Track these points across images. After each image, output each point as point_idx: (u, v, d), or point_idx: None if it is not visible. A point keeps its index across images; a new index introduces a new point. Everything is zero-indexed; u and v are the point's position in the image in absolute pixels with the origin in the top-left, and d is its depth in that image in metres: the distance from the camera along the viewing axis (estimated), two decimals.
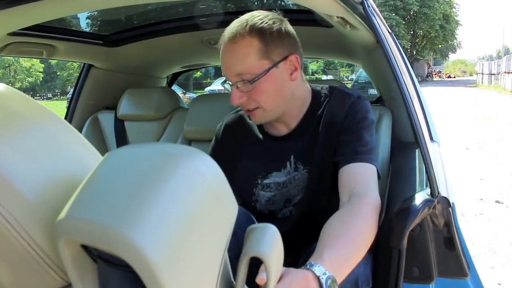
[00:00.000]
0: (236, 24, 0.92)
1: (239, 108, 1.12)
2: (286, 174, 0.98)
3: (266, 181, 1.00)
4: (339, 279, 0.65)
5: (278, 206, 1.00)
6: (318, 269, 0.62)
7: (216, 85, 17.55)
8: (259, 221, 0.97)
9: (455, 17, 33.78)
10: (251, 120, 0.98)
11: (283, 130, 1.01)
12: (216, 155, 1.08)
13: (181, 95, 2.33)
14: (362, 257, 0.73)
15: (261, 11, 0.95)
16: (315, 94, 1.02)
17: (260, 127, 1.04)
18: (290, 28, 0.95)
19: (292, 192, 0.98)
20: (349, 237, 0.71)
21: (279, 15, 0.95)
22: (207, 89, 18.43)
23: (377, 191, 0.84)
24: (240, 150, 1.04)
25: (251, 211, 1.01)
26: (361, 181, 0.84)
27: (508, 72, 17.18)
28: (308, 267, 0.63)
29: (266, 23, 0.91)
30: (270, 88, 0.91)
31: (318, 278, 0.61)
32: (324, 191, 0.95)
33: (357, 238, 0.72)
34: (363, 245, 0.73)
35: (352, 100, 0.96)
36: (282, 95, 0.94)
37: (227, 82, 0.95)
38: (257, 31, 0.89)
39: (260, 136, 1.03)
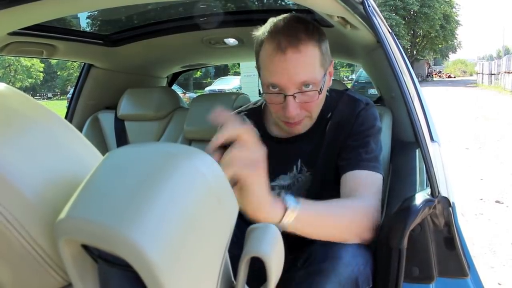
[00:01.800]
0: (292, 30, 0.85)
1: (240, 108, 1.12)
2: (291, 178, 0.98)
3: (272, 183, 1.00)
4: (302, 224, 0.68)
5: None
6: (289, 197, 0.68)
7: (216, 85, 17.56)
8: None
9: (455, 17, 33.76)
10: (291, 131, 0.95)
11: (292, 132, 1.00)
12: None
13: (181, 95, 2.33)
14: (338, 235, 0.75)
15: (292, 14, 0.92)
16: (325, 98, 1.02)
17: (263, 129, 1.04)
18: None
19: (295, 195, 0.98)
20: (332, 213, 0.75)
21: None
22: (207, 89, 18.43)
23: (378, 200, 0.84)
24: None
25: None
26: (363, 189, 0.84)
27: (508, 72, 17.18)
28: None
29: (318, 29, 0.89)
30: (324, 96, 0.92)
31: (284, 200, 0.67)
32: (326, 194, 0.95)
33: (339, 219, 0.75)
34: (342, 227, 0.75)
35: (362, 107, 0.96)
36: (323, 101, 0.95)
37: (268, 92, 0.89)
38: (316, 39, 0.87)
39: (266, 138, 1.02)
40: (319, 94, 0.87)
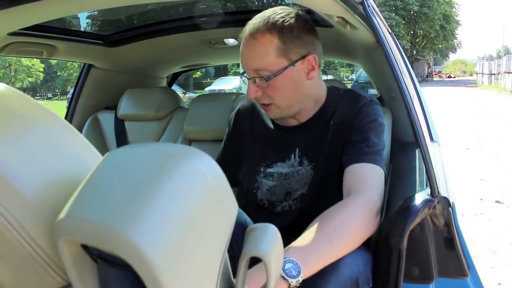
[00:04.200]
0: (257, 20, 0.92)
1: None
2: (289, 166, 1.00)
3: (270, 170, 1.01)
4: (309, 267, 0.65)
5: (278, 197, 1.00)
6: (288, 271, 0.62)
7: (216, 85, 17.57)
8: (258, 213, 0.99)
9: (455, 17, 33.76)
10: (267, 114, 1.01)
11: (292, 122, 1.02)
12: (229, 142, 1.14)
13: (181, 95, 2.33)
14: (345, 252, 0.72)
15: (284, 7, 0.96)
16: (330, 93, 1.03)
17: (267, 117, 1.07)
18: (311, 27, 0.96)
19: (293, 186, 0.99)
20: (326, 230, 0.71)
21: (302, 13, 0.96)
22: (207, 89, 18.44)
23: (378, 191, 0.83)
24: (250, 136, 1.08)
25: (252, 199, 1.04)
26: (360, 180, 0.84)
27: (508, 72, 17.18)
28: None
29: (287, 21, 0.91)
30: (285, 86, 0.92)
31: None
32: (327, 189, 0.95)
33: (335, 231, 0.71)
34: (342, 239, 0.71)
35: (364, 103, 0.97)
36: (297, 93, 0.95)
37: (245, 75, 0.97)
38: (277, 29, 0.90)
39: (270, 125, 1.06)
40: (266, 81, 0.90)
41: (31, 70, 30.51)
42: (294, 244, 0.68)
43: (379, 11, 1.33)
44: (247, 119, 1.10)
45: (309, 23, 0.95)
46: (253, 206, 1.03)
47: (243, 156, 1.08)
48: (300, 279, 0.62)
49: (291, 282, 0.61)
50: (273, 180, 1.01)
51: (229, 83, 16.92)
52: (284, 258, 0.63)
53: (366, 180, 0.84)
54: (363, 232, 0.75)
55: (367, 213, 0.77)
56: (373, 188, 0.83)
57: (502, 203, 3.33)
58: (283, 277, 0.61)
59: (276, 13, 0.92)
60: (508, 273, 2.19)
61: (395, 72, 0.89)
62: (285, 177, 1.00)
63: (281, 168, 1.00)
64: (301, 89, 0.95)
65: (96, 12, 1.70)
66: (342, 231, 0.72)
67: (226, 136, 1.15)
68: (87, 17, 1.79)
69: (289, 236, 0.68)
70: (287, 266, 0.62)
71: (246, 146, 1.07)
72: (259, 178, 1.02)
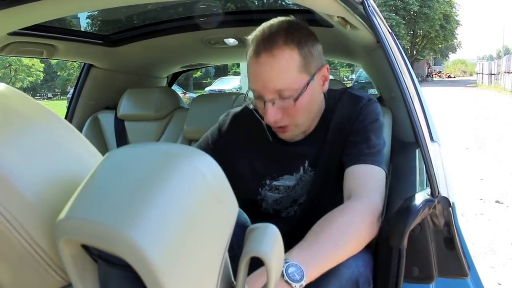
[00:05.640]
0: (267, 34, 0.84)
1: (250, 106, 1.11)
2: (297, 178, 0.98)
3: (276, 183, 0.99)
4: (312, 270, 0.64)
5: (284, 206, 0.99)
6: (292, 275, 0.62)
7: (216, 85, 17.58)
8: (262, 220, 0.97)
9: (455, 17, 33.76)
10: (281, 136, 0.94)
11: (298, 136, 0.98)
12: (216, 146, 1.05)
13: (181, 95, 2.32)
14: (348, 255, 0.71)
15: (286, 18, 0.90)
16: (328, 97, 1.00)
17: (270, 129, 1.01)
18: (313, 32, 0.91)
19: (299, 193, 0.98)
20: (329, 233, 0.70)
21: (300, 20, 0.91)
22: (207, 89, 18.44)
23: (380, 194, 0.82)
24: (248, 147, 1.02)
25: (255, 209, 1.01)
26: (362, 183, 0.83)
27: (508, 72, 17.18)
28: None
29: (301, 33, 0.86)
30: (308, 103, 0.87)
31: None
32: (329, 192, 0.95)
33: (338, 234, 0.70)
34: (345, 242, 0.71)
35: (363, 103, 0.95)
36: (315, 108, 0.93)
37: (250, 97, 0.88)
38: (296, 43, 0.84)
39: (271, 138, 1.00)
40: (294, 101, 0.84)
41: (31, 70, 30.50)
42: (297, 247, 0.67)
43: (379, 11, 1.33)
44: (244, 129, 1.03)
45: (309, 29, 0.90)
46: (256, 213, 1.00)
47: (235, 166, 1.00)
48: (304, 283, 0.62)
49: (295, 286, 0.61)
50: (279, 192, 0.98)
51: (229, 83, 16.92)
52: (287, 262, 0.62)
53: (368, 183, 0.83)
54: (365, 235, 0.75)
55: (370, 217, 0.76)
56: (375, 191, 0.82)
57: (502, 203, 3.33)
58: (286, 282, 0.61)
59: (286, 23, 0.86)
60: (508, 273, 2.19)
61: (395, 72, 0.89)
62: (292, 189, 0.98)
63: (288, 181, 0.98)
64: (316, 102, 0.92)
65: (96, 12, 1.70)
66: (345, 234, 0.72)
67: (213, 139, 1.06)
68: (87, 17, 1.79)
69: (292, 239, 0.68)
70: (290, 270, 0.62)
71: (241, 157, 1.01)
72: (263, 191, 0.99)
